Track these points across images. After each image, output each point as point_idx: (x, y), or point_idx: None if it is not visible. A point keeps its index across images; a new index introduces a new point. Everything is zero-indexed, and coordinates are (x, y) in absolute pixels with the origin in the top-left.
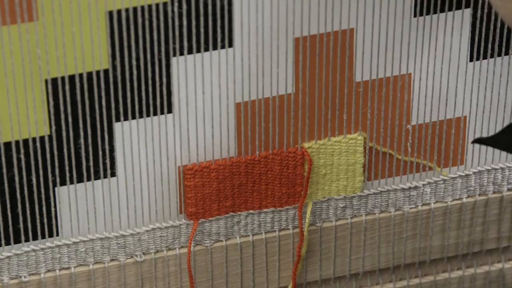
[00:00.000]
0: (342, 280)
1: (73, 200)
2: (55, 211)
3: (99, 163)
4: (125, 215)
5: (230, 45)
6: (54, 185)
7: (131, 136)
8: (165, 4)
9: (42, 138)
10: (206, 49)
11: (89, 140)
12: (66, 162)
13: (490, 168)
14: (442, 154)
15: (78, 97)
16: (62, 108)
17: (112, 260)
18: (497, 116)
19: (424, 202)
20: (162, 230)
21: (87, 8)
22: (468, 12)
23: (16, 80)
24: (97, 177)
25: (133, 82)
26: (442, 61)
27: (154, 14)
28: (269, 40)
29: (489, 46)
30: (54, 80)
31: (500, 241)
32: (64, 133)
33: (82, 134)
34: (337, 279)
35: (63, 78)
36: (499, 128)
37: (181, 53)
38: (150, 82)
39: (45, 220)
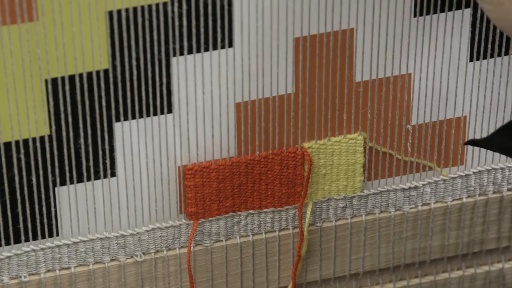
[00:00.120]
0: (342, 280)
1: (73, 200)
2: (55, 211)
3: (99, 163)
4: (125, 215)
5: (230, 45)
6: (54, 185)
7: (131, 136)
8: (165, 4)
9: (42, 138)
10: (206, 49)
11: (89, 140)
12: (66, 162)
13: (490, 168)
14: (442, 154)
15: (78, 97)
16: (62, 108)
17: (112, 260)
18: (497, 116)
19: (424, 202)
20: (162, 230)
21: (87, 8)
22: (468, 12)
23: (16, 80)
24: (97, 177)
25: (133, 82)
26: (442, 61)
27: (154, 14)
28: (269, 40)
29: (489, 46)
30: (54, 80)
31: (500, 241)
32: (64, 133)
33: (82, 134)
34: (337, 279)
35: (63, 78)
36: None
37: (181, 53)
38: (150, 82)
39: (45, 220)
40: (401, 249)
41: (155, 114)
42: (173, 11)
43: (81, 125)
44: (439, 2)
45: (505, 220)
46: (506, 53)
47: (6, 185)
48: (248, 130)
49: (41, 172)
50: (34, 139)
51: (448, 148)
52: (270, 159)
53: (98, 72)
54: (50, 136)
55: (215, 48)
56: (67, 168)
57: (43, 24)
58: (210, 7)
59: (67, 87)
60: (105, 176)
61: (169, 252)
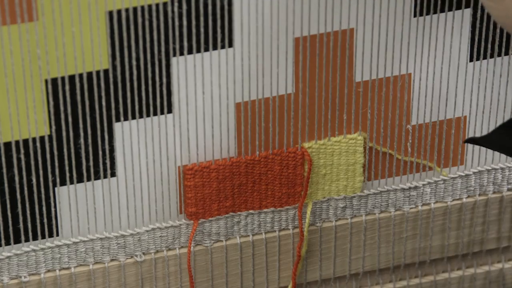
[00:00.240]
0: (342, 280)
1: (73, 200)
2: (55, 211)
3: (99, 163)
4: (125, 215)
5: (230, 45)
6: (54, 185)
7: (131, 136)
8: (165, 4)
9: (42, 138)
10: (206, 49)
11: (89, 140)
12: (66, 162)
13: (490, 168)
14: (442, 154)
15: (78, 97)
16: (62, 108)
17: (112, 260)
18: (497, 116)
19: (424, 202)
20: (162, 230)
21: (87, 8)
22: (468, 12)
23: (16, 80)
24: (97, 177)
25: (133, 82)
26: (442, 61)
27: (154, 14)
28: (269, 40)
29: (489, 46)
30: (54, 80)
31: (500, 241)
32: (64, 133)
33: (82, 134)
34: (337, 279)
35: (63, 78)
36: None
37: (181, 53)
38: (150, 82)
39: (45, 220)
40: (401, 249)
41: (155, 114)
42: (173, 11)
43: (81, 125)
44: (439, 2)
45: (505, 220)
46: (506, 53)
47: (6, 185)
48: (248, 130)
49: (41, 172)
50: (34, 139)
51: (448, 148)
52: (270, 159)
53: (98, 72)
54: (50, 136)
55: (215, 48)
56: (67, 168)
57: (43, 24)
58: (210, 7)
59: (67, 87)
60: (105, 176)
61: (169, 252)
